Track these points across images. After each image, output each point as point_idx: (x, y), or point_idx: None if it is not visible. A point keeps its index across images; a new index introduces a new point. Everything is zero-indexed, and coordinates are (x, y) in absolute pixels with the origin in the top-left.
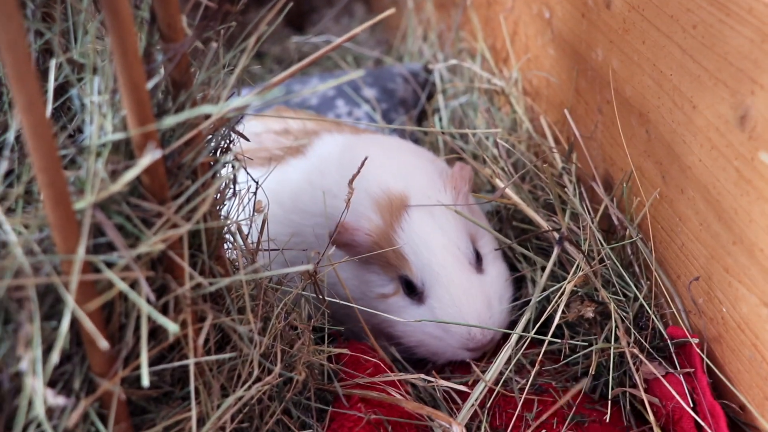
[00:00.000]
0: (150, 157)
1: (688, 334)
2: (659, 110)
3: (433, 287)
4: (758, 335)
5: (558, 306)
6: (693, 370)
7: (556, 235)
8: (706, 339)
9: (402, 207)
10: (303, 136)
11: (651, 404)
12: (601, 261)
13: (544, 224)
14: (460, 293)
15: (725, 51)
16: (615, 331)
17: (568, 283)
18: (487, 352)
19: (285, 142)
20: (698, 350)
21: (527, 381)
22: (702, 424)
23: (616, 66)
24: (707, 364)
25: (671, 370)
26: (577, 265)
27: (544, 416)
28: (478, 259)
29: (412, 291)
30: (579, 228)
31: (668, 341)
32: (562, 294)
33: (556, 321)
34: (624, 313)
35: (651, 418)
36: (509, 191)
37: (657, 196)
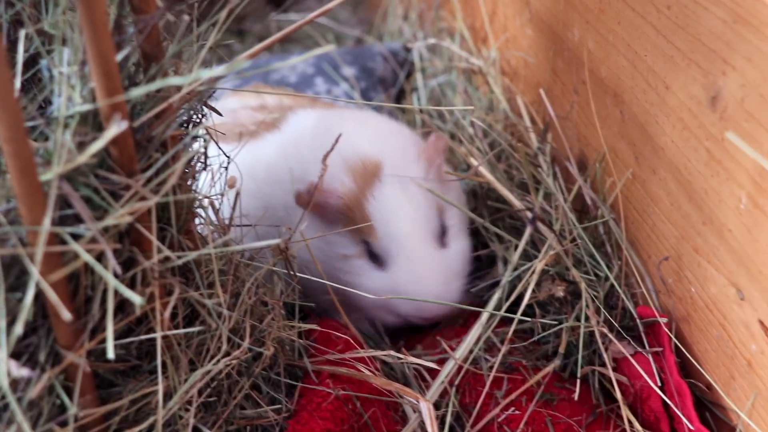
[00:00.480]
0: (116, 128)
1: (656, 313)
2: (633, 91)
3: (395, 257)
4: (726, 315)
5: (528, 285)
6: (661, 349)
7: (529, 215)
8: (675, 319)
9: (375, 174)
10: (279, 111)
11: (619, 383)
12: (573, 240)
13: (517, 203)
14: (421, 268)
15: (698, 32)
16: (585, 310)
17: (539, 261)
18: (441, 322)
19: (261, 117)
20: (666, 330)
21: (497, 359)
22: (669, 402)
23: (591, 46)
24: (675, 344)
25: (640, 350)
26: (549, 245)
27: (514, 395)
28: (443, 232)
29: (374, 256)
30: (552, 208)
31: (637, 321)
32: (533, 273)
33: (526, 300)
34: (594, 293)
35: (619, 396)
36: (483, 169)
37: (630, 177)
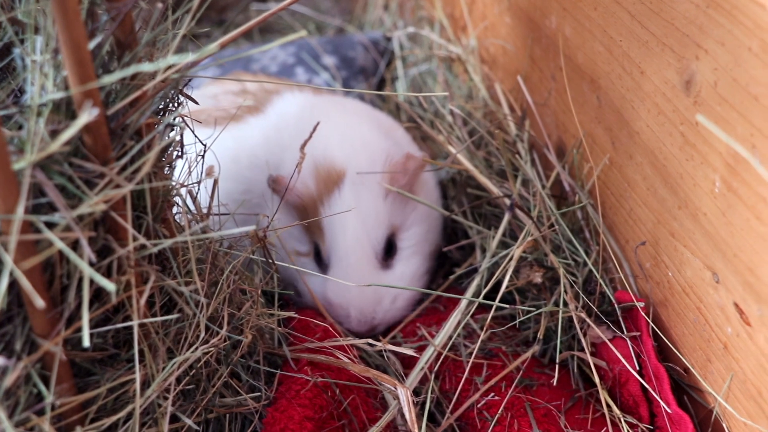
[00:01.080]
0: (87, 115)
1: (634, 298)
2: (609, 76)
3: (334, 267)
4: (702, 299)
5: (507, 271)
6: (639, 333)
7: (507, 201)
8: (652, 303)
9: (336, 182)
10: (261, 96)
11: (598, 367)
12: (551, 226)
13: (495, 190)
14: (352, 286)
15: (672, 16)
16: (563, 296)
17: (517, 248)
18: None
19: (242, 102)
20: (644, 314)
21: (476, 345)
22: (647, 386)
23: (568, 33)
24: (653, 328)
25: (618, 334)
26: (527, 231)
27: (493, 380)
28: (390, 253)
29: (320, 259)
30: (530, 194)
31: (615, 306)
32: (511, 259)
33: (504, 286)
34: (573, 278)
35: (597, 381)
36: (461, 157)
37: (607, 162)
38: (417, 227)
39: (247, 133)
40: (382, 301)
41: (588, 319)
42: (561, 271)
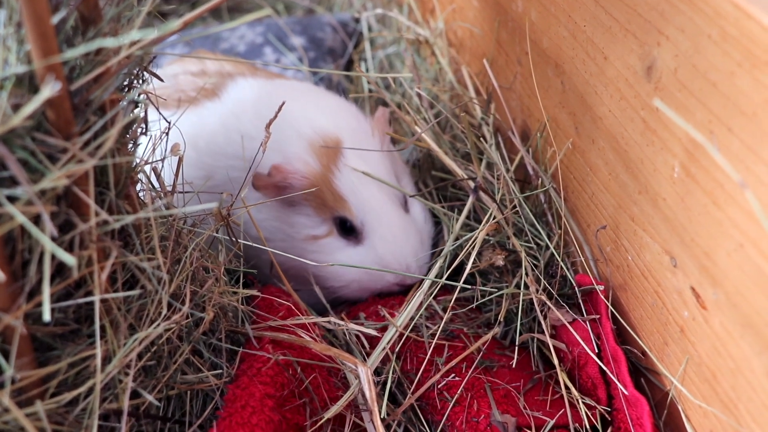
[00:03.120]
0: (49, 89)
1: (594, 281)
2: (573, 61)
3: (373, 226)
4: (660, 282)
5: (470, 253)
6: (598, 316)
7: (471, 184)
8: (612, 286)
9: (337, 149)
10: (218, 80)
11: (558, 349)
12: (514, 209)
13: (460, 172)
14: (400, 232)
15: (635, 3)
16: (524, 278)
17: (481, 230)
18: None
19: (200, 83)
20: (603, 297)
21: (438, 326)
22: (605, 369)
23: (534, 17)
24: (612, 311)
25: (577, 317)
26: (490, 214)
27: (454, 361)
28: (405, 199)
29: (349, 232)
30: (494, 177)
31: (576, 289)
32: (474, 241)
33: (468, 268)
34: (535, 261)
35: (556, 363)
36: (426, 137)
37: (570, 147)
38: (406, 175)
39: (204, 118)
40: (424, 240)
41: (549, 302)
42: (522, 254)
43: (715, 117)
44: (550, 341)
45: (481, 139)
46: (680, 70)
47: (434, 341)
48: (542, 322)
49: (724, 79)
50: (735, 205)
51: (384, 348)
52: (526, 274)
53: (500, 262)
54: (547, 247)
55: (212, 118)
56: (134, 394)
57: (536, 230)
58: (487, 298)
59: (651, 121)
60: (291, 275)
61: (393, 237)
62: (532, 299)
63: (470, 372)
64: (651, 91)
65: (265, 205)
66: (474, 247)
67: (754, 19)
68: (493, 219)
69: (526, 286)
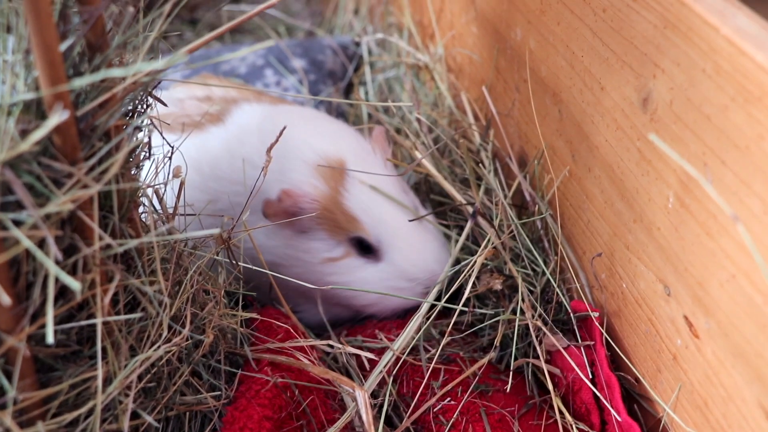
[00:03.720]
0: (58, 116)
1: (589, 308)
2: (571, 90)
3: (390, 242)
4: (654, 310)
5: (468, 278)
6: (593, 343)
7: (470, 209)
8: (607, 313)
9: (342, 171)
10: (223, 105)
11: (552, 375)
12: (512, 235)
13: (459, 196)
14: (418, 242)
15: (631, 35)
16: (521, 304)
17: (479, 255)
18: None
19: (206, 108)
20: (598, 324)
21: (436, 351)
22: (599, 395)
23: (533, 46)
24: (606, 338)
25: (571, 343)
26: (488, 239)
27: (450, 385)
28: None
29: (366, 250)
30: (492, 203)
31: (571, 315)
32: (473, 266)
33: (467, 293)
34: (531, 287)
35: (551, 388)
36: (426, 162)
37: (567, 174)
38: (409, 191)
39: (209, 143)
40: (444, 246)
41: (544, 328)
42: (519, 279)
43: (708, 149)
44: (544, 366)
45: (480, 164)
46: (675, 102)
47: (431, 365)
48: (537, 348)
49: (718, 112)
50: (728, 237)
51: (381, 372)
52: (522, 300)
53: (498, 287)
54: (544, 273)
55: (216, 142)
56: (134, 415)
57: (533, 256)
58: (484, 324)
59: (646, 152)
60: (308, 297)
61: (412, 248)
62: (527, 324)
63: (466, 396)
64: (647, 122)
65: (277, 232)
66: (473, 271)
67: (747, 55)
68: (492, 244)
69: (522, 312)
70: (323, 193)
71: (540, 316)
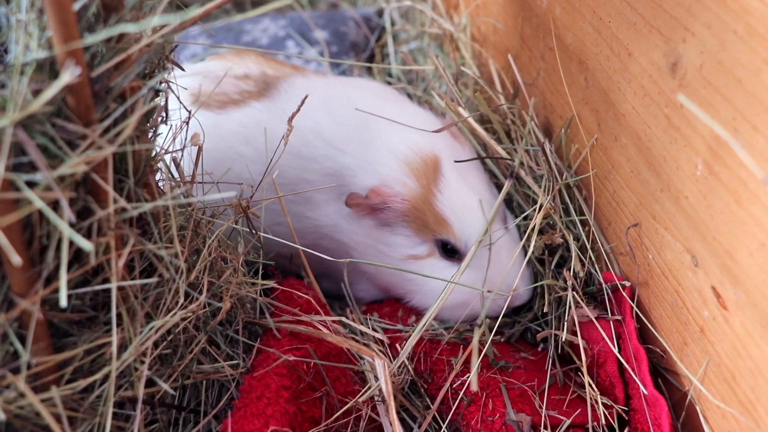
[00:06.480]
0: (69, 74)
1: (618, 279)
2: (597, 58)
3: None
4: (680, 282)
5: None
6: (620, 317)
7: (511, 165)
8: (632, 285)
9: (436, 169)
10: (262, 82)
11: (576, 348)
12: (559, 194)
13: (502, 152)
14: (506, 255)
15: None
16: (573, 268)
17: (539, 212)
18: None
19: (244, 86)
20: (628, 296)
21: (454, 327)
22: (626, 366)
23: (558, 13)
24: (636, 311)
25: (601, 315)
26: (544, 193)
27: (463, 356)
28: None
29: (451, 253)
30: (532, 162)
31: (603, 285)
32: (534, 226)
33: (531, 250)
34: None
35: (583, 359)
36: (472, 120)
37: (594, 143)
38: (493, 186)
39: (256, 117)
40: (528, 273)
41: (582, 299)
42: (570, 238)
43: (739, 114)
44: (571, 337)
45: (514, 126)
46: (705, 66)
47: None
48: (575, 317)
49: (750, 76)
50: (758, 204)
51: (408, 351)
52: (568, 269)
53: (559, 241)
54: (579, 241)
55: (265, 116)
56: (149, 383)
57: (572, 225)
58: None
59: (674, 118)
60: (363, 274)
61: (499, 260)
62: (559, 296)
63: (487, 373)
64: (675, 88)
65: (359, 224)
66: (535, 227)
67: None
68: (552, 193)
69: (565, 279)
70: (415, 192)
71: (573, 288)
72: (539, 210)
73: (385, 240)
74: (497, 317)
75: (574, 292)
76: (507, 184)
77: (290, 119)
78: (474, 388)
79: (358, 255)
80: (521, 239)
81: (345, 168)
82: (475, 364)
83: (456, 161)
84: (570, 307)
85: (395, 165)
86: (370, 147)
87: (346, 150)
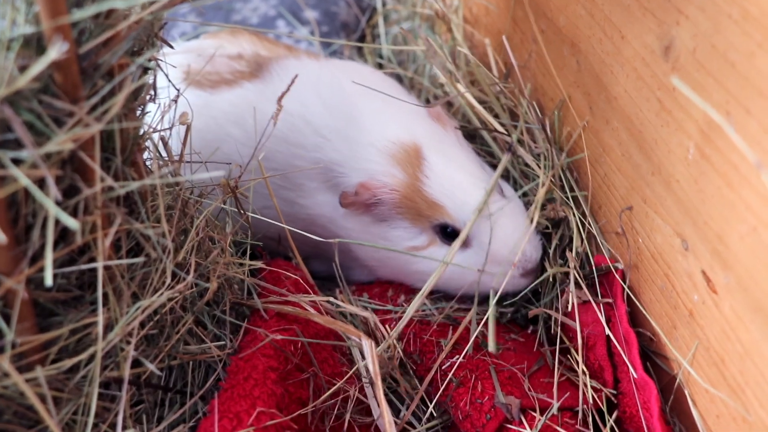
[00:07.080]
0: (57, 50)
1: (612, 262)
2: (590, 40)
3: (477, 225)
4: (670, 265)
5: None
6: (611, 300)
7: (509, 140)
8: (623, 268)
9: (419, 156)
10: (255, 63)
11: (568, 330)
12: (556, 172)
13: (500, 127)
14: (507, 222)
15: None
16: (575, 247)
17: (542, 187)
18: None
19: (237, 66)
20: (620, 279)
21: (450, 306)
22: (618, 348)
23: None
24: (627, 293)
25: (592, 298)
26: (542, 177)
27: (455, 336)
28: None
29: (451, 236)
30: (530, 140)
31: (593, 268)
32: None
33: (535, 222)
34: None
35: (579, 341)
36: (469, 96)
37: (585, 125)
38: (485, 164)
39: (248, 99)
40: (536, 236)
41: (583, 281)
42: (572, 212)
43: (732, 98)
44: (566, 320)
45: (508, 104)
46: (699, 49)
47: (438, 320)
48: (571, 297)
49: (744, 59)
50: (749, 188)
51: (398, 332)
52: (570, 250)
53: (562, 214)
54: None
55: (256, 96)
56: (136, 363)
57: (568, 203)
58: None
59: (667, 102)
60: (360, 261)
61: (502, 229)
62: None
63: (466, 350)
64: (668, 71)
65: (354, 217)
66: (538, 203)
67: None
68: (554, 171)
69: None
70: (402, 181)
71: (574, 267)
72: (543, 185)
73: (385, 235)
74: (519, 292)
75: (576, 273)
76: (505, 158)
77: (279, 99)
78: (492, 349)
79: (360, 253)
80: (523, 210)
81: (335, 164)
82: (492, 327)
83: (457, 127)
84: (566, 288)
85: (380, 159)
86: (355, 143)
87: (335, 143)
